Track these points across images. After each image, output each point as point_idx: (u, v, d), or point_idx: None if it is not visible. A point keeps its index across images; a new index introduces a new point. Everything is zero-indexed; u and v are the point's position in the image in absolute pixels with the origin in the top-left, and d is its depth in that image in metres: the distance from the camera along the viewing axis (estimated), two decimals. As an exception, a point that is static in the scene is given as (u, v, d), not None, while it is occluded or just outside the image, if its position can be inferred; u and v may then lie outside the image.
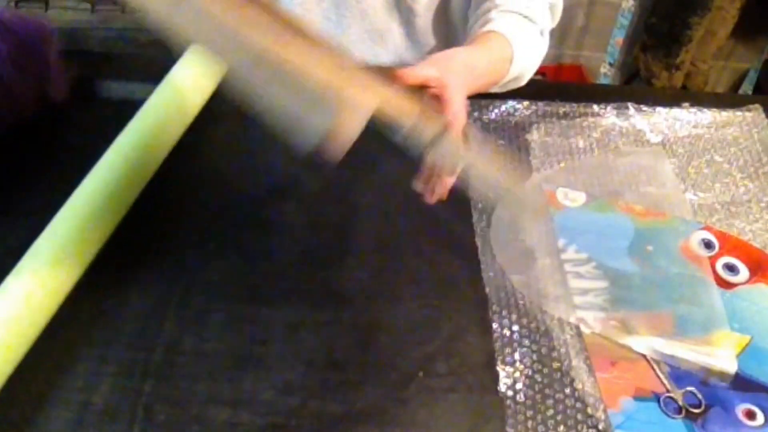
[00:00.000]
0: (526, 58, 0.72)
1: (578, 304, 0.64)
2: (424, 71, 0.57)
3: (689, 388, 0.58)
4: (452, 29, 0.84)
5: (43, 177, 0.73)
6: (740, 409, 0.57)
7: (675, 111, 0.83)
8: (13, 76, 0.73)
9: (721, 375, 0.59)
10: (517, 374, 0.58)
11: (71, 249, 0.61)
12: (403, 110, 0.51)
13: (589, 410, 0.57)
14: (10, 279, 0.58)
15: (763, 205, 0.74)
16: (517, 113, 0.82)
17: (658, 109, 0.83)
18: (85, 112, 0.81)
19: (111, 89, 0.86)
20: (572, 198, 0.73)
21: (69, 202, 0.63)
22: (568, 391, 0.58)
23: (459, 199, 0.67)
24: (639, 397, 0.58)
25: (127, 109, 0.72)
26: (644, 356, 0.60)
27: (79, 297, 0.62)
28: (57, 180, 0.66)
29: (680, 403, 0.57)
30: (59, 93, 0.80)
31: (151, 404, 0.56)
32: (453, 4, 0.81)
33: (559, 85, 1.38)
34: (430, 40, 0.83)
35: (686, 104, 0.83)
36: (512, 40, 0.69)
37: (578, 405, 0.57)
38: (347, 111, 0.45)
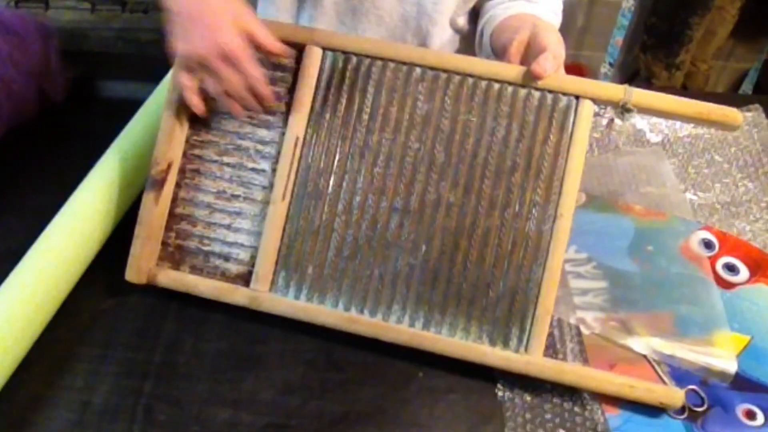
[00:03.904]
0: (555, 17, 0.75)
1: (578, 304, 0.64)
2: (515, 44, 0.62)
3: (691, 387, 0.58)
4: (459, 33, 0.84)
5: (43, 177, 0.73)
6: (740, 409, 0.57)
7: (675, 111, 0.83)
8: (13, 76, 0.73)
9: (721, 375, 0.59)
10: (516, 376, 0.58)
11: (71, 249, 0.61)
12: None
13: (588, 413, 0.57)
14: (11, 279, 0.58)
15: (763, 205, 0.74)
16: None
17: (658, 109, 0.83)
18: (85, 112, 0.81)
19: (111, 89, 0.86)
20: (572, 198, 0.73)
21: (69, 202, 0.63)
22: (566, 393, 0.58)
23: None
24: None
25: (127, 109, 0.72)
26: (644, 356, 0.60)
27: (79, 297, 0.62)
28: (57, 180, 0.66)
29: (683, 402, 0.57)
30: (59, 93, 0.80)
31: (151, 404, 0.56)
32: (462, 9, 0.81)
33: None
34: (440, 46, 0.83)
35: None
36: (536, 14, 0.71)
37: (577, 408, 0.57)
38: None
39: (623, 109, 0.57)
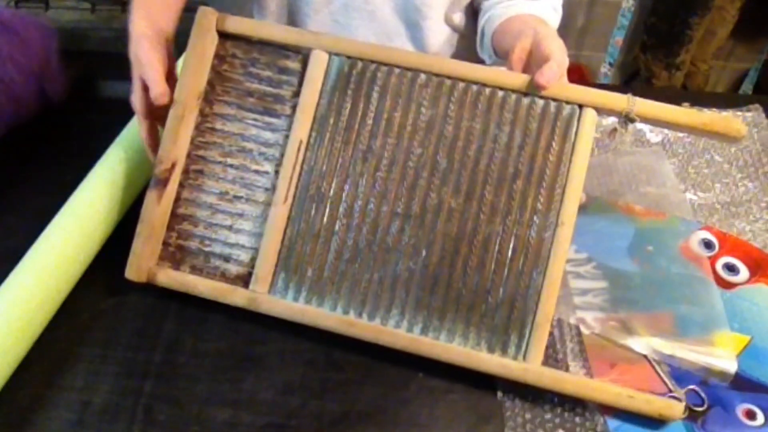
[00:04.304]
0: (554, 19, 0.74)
1: (578, 304, 0.64)
2: (517, 51, 0.62)
3: (691, 387, 0.58)
4: (456, 31, 0.84)
5: (43, 177, 0.73)
6: (740, 409, 0.57)
7: (675, 111, 0.83)
8: (14, 76, 0.73)
9: (721, 375, 0.59)
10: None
11: (71, 249, 0.61)
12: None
13: (588, 413, 0.57)
14: (11, 279, 0.58)
15: (763, 205, 0.74)
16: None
17: (658, 109, 0.82)
18: (85, 112, 0.81)
19: (111, 89, 0.86)
20: (572, 198, 0.73)
21: (69, 202, 0.63)
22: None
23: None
24: (639, 397, 0.57)
25: (127, 109, 0.72)
26: (645, 356, 0.60)
27: (79, 297, 0.62)
28: (57, 180, 0.66)
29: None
30: (59, 93, 0.80)
31: (151, 404, 0.56)
32: (457, 6, 0.81)
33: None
34: (436, 43, 0.83)
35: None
36: (535, 12, 0.71)
37: (577, 408, 0.57)
38: None
39: (626, 119, 0.58)
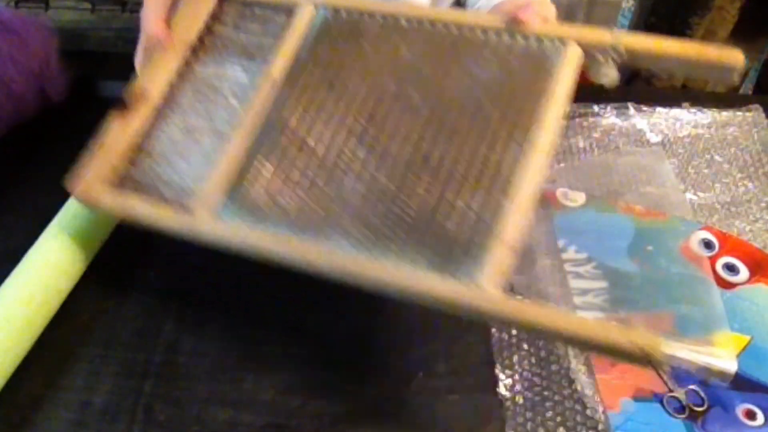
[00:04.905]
0: None
1: (578, 304, 0.64)
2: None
3: (691, 387, 0.58)
4: None
5: (43, 177, 0.73)
6: (740, 409, 0.57)
7: (675, 111, 0.83)
8: (13, 76, 0.73)
9: (721, 375, 0.59)
10: (516, 376, 0.58)
11: (71, 249, 0.61)
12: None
13: (589, 412, 0.57)
14: (11, 279, 0.58)
15: (763, 205, 0.74)
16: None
17: (658, 109, 0.83)
18: (85, 112, 0.81)
19: (111, 89, 0.86)
20: (572, 198, 0.73)
21: (69, 202, 0.63)
22: (567, 392, 0.58)
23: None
24: (639, 398, 0.57)
25: (127, 109, 0.72)
26: (644, 356, 0.60)
27: (79, 297, 0.62)
28: (57, 180, 0.66)
29: (684, 402, 0.57)
30: (59, 93, 0.80)
31: (151, 404, 0.56)
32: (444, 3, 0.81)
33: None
34: None
35: (686, 104, 0.83)
36: None
37: (578, 407, 0.57)
38: None
39: (614, 52, 0.56)
